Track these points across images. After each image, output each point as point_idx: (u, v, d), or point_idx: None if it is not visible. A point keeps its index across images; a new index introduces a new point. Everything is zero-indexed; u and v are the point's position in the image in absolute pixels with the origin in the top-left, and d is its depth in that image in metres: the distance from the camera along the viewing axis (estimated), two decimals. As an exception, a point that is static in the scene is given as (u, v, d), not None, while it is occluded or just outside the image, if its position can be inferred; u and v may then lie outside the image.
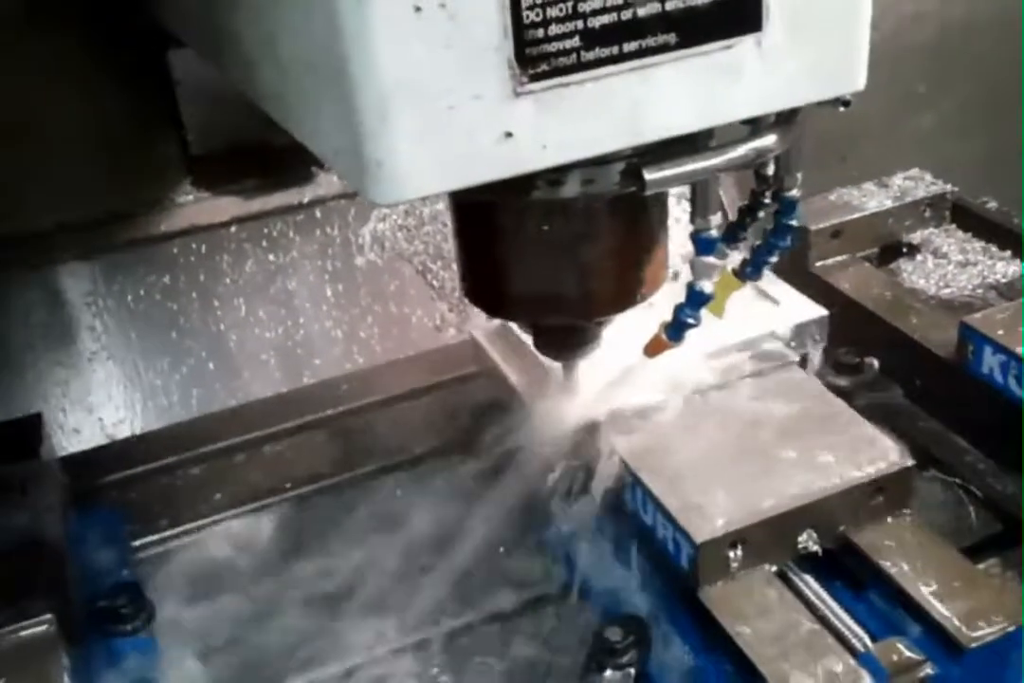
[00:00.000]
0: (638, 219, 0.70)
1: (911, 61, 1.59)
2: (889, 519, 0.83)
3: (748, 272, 0.79)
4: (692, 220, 0.66)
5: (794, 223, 0.74)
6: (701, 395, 0.91)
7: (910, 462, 0.83)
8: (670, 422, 0.88)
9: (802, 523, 0.80)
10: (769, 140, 0.65)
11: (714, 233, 0.66)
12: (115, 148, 1.12)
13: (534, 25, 0.55)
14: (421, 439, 1.07)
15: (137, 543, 0.98)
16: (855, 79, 0.64)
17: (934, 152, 1.38)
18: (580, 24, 0.56)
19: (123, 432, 1.21)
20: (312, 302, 1.25)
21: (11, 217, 1.09)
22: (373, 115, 0.54)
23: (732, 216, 0.81)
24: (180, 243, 1.19)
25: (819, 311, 0.98)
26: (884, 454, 0.83)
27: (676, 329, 0.72)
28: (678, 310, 0.71)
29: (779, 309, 0.98)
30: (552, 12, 0.55)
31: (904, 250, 1.18)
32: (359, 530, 0.96)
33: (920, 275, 1.15)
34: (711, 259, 0.67)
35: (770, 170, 0.76)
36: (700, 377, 0.91)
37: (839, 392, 0.95)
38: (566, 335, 0.78)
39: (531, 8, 0.54)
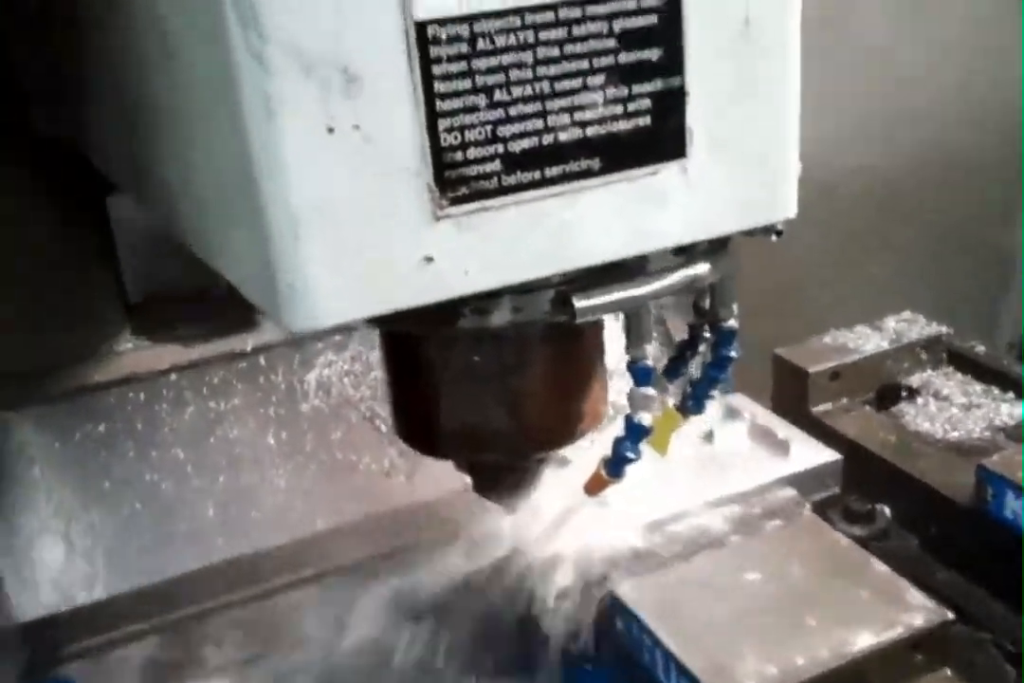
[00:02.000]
0: (572, 350, 0.67)
1: (856, 212, 1.62)
2: (927, 679, 0.77)
3: (690, 406, 0.76)
4: (627, 350, 0.63)
5: (732, 354, 0.72)
6: (713, 546, 0.86)
7: (948, 616, 0.77)
8: (682, 575, 0.83)
9: (837, 683, 0.74)
10: (701, 268, 0.63)
11: (650, 362, 0.63)
12: (51, 295, 1.10)
13: (452, 148, 0.53)
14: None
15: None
16: (785, 207, 0.62)
17: (887, 301, 1.38)
18: (500, 148, 0.54)
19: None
20: (254, 450, 1.20)
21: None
22: (284, 236, 0.51)
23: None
24: (117, 392, 1.15)
25: (831, 455, 0.95)
26: (917, 608, 0.78)
27: (616, 464, 0.68)
28: (617, 444, 0.67)
29: (791, 452, 0.95)
30: (471, 135, 0.53)
31: (904, 393, 1.16)
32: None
33: (924, 418, 1.11)
34: (648, 390, 0.64)
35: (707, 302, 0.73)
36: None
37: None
38: (504, 475, 0.74)
39: (449, 131, 0.52)
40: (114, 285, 1.11)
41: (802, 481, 0.93)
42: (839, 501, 0.95)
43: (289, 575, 1.04)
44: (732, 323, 0.70)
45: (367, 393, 1.21)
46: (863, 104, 1.54)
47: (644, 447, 0.73)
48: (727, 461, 0.94)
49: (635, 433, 0.66)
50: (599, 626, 0.83)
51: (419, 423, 0.71)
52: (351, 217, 0.52)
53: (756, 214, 0.62)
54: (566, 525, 0.85)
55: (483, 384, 0.66)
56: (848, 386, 1.12)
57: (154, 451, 1.16)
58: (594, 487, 0.71)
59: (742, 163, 0.60)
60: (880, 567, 0.83)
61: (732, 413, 1.00)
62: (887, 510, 0.96)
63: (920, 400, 1.14)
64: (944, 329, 1.20)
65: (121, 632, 0.97)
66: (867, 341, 1.17)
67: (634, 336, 0.63)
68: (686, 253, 0.63)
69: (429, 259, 0.54)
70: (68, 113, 0.83)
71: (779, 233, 0.67)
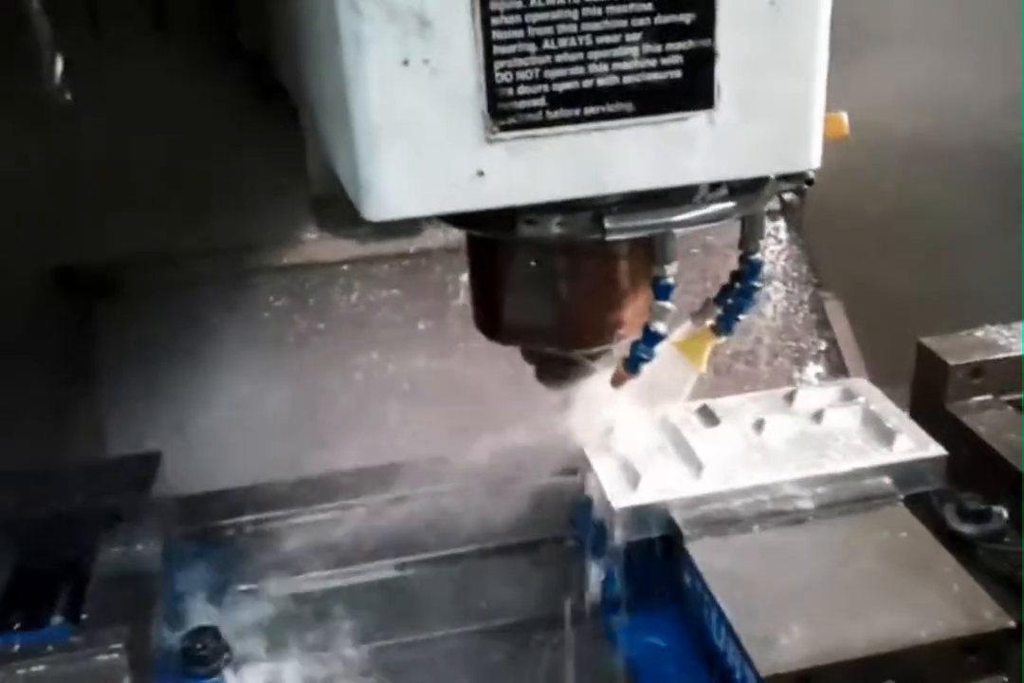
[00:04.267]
0: (614, 267, 0.78)
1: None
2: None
3: (721, 328, 0.85)
4: (654, 268, 0.73)
5: (757, 284, 0.80)
6: (795, 521, 0.88)
7: (1010, 623, 0.76)
8: (757, 544, 0.86)
9: (881, 672, 0.74)
10: (726, 206, 0.72)
11: (670, 280, 0.73)
12: (253, 191, 1.29)
13: (505, 85, 0.64)
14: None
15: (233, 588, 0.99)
16: (808, 158, 0.70)
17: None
18: (546, 88, 0.64)
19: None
20: (405, 334, 1.36)
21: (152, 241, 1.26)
22: (365, 146, 0.64)
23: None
24: (296, 274, 1.34)
25: (936, 450, 0.92)
26: (980, 611, 0.77)
27: (632, 363, 0.78)
28: (634, 346, 0.78)
29: (895, 442, 0.92)
30: (521, 75, 0.64)
31: (1055, 397, 1.09)
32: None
33: (1068, 425, 1.00)
34: (666, 304, 0.74)
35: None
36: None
37: (962, 540, 0.90)
38: (561, 367, 0.85)
39: (503, 71, 0.63)
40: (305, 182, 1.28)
41: (900, 473, 0.91)
42: (955, 498, 0.93)
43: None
44: (758, 256, 0.79)
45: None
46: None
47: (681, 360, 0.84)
48: (830, 442, 0.93)
49: (649, 338, 0.76)
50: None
51: (487, 314, 0.83)
52: (419, 132, 0.64)
53: (779, 162, 0.70)
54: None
55: (537, 286, 0.78)
56: (992, 384, 1.05)
57: (322, 325, 1.35)
58: (616, 381, 0.81)
59: (766, 118, 0.68)
60: (954, 565, 0.82)
61: (848, 396, 1.00)
62: (1004, 512, 0.93)
63: (1070, 406, 1.05)
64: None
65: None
66: (1021, 339, 1.08)
67: (659, 257, 0.72)
68: (717, 189, 0.72)
69: (481, 173, 0.66)
70: (262, 34, 0.99)
71: (810, 182, 0.75)
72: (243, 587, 1.00)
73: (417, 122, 0.64)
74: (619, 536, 0.85)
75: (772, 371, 1.48)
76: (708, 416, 0.96)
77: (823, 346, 1.51)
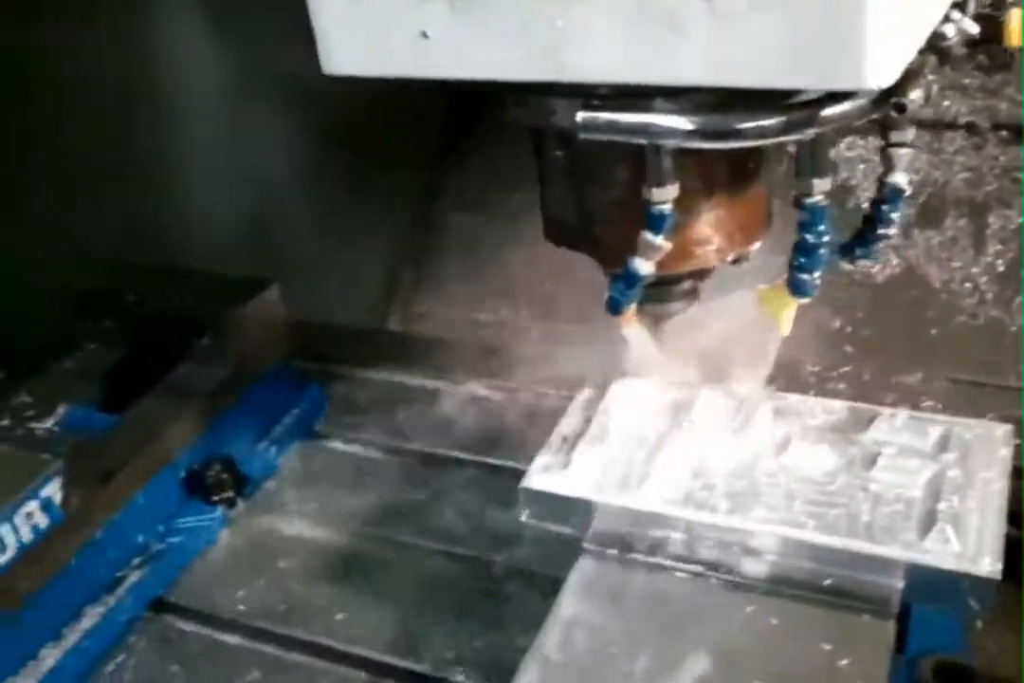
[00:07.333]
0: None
1: None
2: None
3: (792, 289, 0.63)
4: (644, 191, 0.56)
5: (810, 238, 0.58)
6: (729, 585, 0.66)
7: None
8: (653, 596, 0.67)
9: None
10: (748, 122, 0.53)
11: (665, 208, 0.56)
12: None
13: (443, -69, 0.52)
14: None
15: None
16: (854, 72, 0.49)
17: None
18: (491, -64, 0.51)
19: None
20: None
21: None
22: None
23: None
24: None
25: (989, 567, 0.61)
26: None
27: (611, 303, 0.63)
28: (611, 283, 0.62)
29: (930, 534, 0.63)
30: (462, -80, 0.51)
31: None
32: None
33: None
34: (657, 239, 0.57)
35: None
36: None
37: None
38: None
39: (441, -90, 0.51)
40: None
41: (919, 578, 0.61)
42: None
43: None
44: (816, 199, 0.57)
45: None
46: None
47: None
48: (852, 502, 0.66)
49: (628, 278, 0.59)
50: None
51: (542, 211, 0.70)
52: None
53: (805, 74, 0.49)
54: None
55: (565, 185, 0.65)
56: None
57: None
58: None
59: (789, 10, 0.48)
60: None
61: (942, 446, 0.69)
62: None
63: None
64: None
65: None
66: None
67: (652, 174, 0.55)
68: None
69: (424, 34, 0.55)
70: None
71: (900, 108, 0.52)
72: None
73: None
74: (522, 514, 0.72)
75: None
76: (734, 411, 0.74)
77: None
